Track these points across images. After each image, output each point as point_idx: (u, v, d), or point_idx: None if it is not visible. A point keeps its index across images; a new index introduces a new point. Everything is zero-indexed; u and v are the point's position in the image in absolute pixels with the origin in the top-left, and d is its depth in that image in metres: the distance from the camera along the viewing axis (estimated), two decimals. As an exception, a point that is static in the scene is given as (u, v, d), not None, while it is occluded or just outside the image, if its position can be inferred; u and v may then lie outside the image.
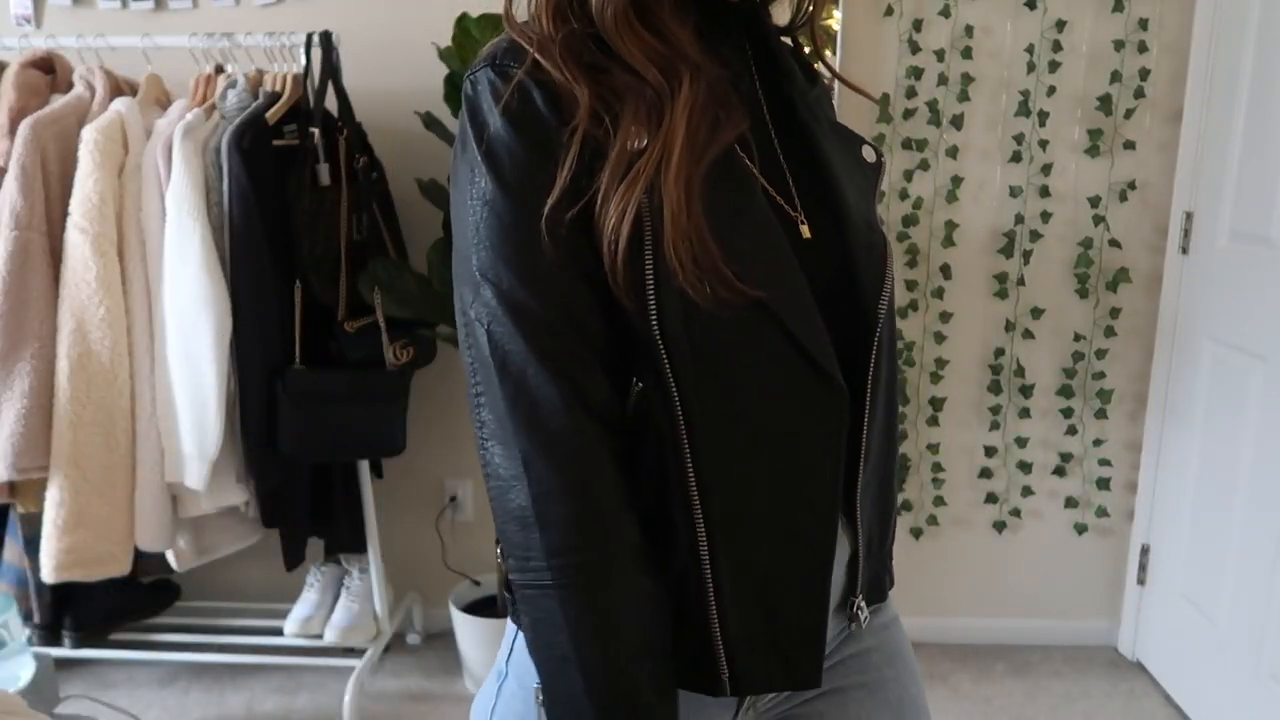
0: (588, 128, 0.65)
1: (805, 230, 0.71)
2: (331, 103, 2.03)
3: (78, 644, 2.20)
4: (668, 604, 0.68)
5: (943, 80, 2.26)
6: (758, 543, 0.69)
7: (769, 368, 0.67)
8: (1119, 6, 2.21)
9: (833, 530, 0.70)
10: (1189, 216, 2.24)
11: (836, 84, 1.60)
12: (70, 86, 2.02)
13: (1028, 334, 2.36)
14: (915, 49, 2.24)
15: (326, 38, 2.00)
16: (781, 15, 0.80)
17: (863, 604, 0.79)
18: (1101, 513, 2.42)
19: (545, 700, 0.68)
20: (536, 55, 0.66)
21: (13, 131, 1.89)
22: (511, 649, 0.77)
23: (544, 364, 0.64)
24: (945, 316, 2.36)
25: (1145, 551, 2.38)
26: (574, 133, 0.65)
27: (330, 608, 2.28)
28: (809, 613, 0.70)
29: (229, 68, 2.07)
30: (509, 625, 0.79)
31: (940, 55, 2.24)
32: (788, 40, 0.81)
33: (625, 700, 0.65)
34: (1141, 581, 2.39)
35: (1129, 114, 2.27)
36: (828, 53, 2.32)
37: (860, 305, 0.71)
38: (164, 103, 2.07)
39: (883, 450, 0.78)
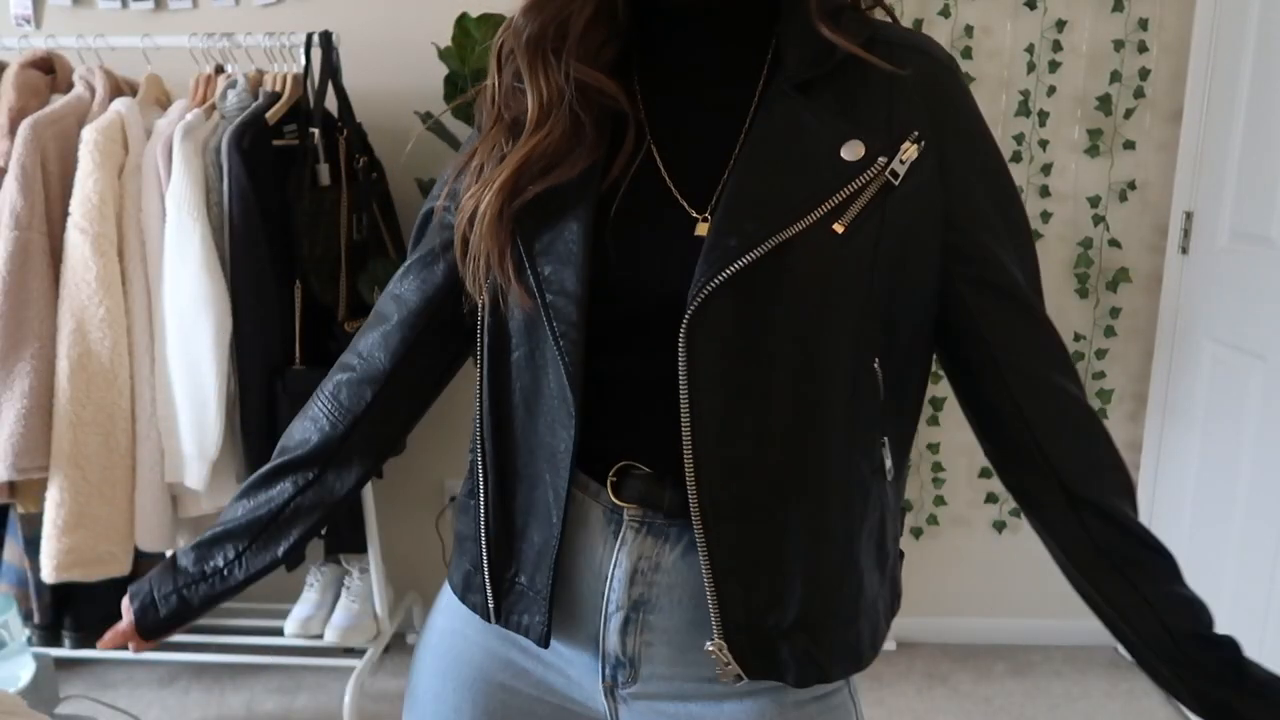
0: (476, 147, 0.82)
1: (703, 229, 0.72)
2: (331, 103, 2.03)
3: (78, 644, 2.20)
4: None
5: (943, 80, 2.25)
6: (517, 506, 0.80)
7: (543, 357, 0.76)
8: (1119, 6, 2.21)
9: (558, 519, 0.76)
10: (1189, 216, 2.24)
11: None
12: (70, 87, 2.02)
13: (1028, 334, 2.36)
14: (915, 49, 2.24)
15: (326, 38, 2.00)
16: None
17: (723, 654, 0.73)
18: (1101, 513, 2.42)
19: None
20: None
21: (13, 131, 1.89)
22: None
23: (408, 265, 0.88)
24: (945, 316, 2.36)
25: (1145, 551, 2.37)
26: (470, 154, 0.81)
27: (330, 608, 2.28)
28: (540, 584, 0.78)
29: (229, 68, 2.07)
30: None
31: (940, 55, 2.24)
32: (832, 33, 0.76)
33: None
34: (1141, 581, 2.39)
35: (1129, 114, 2.27)
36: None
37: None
38: (164, 103, 2.07)
39: (794, 498, 0.72)
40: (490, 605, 0.81)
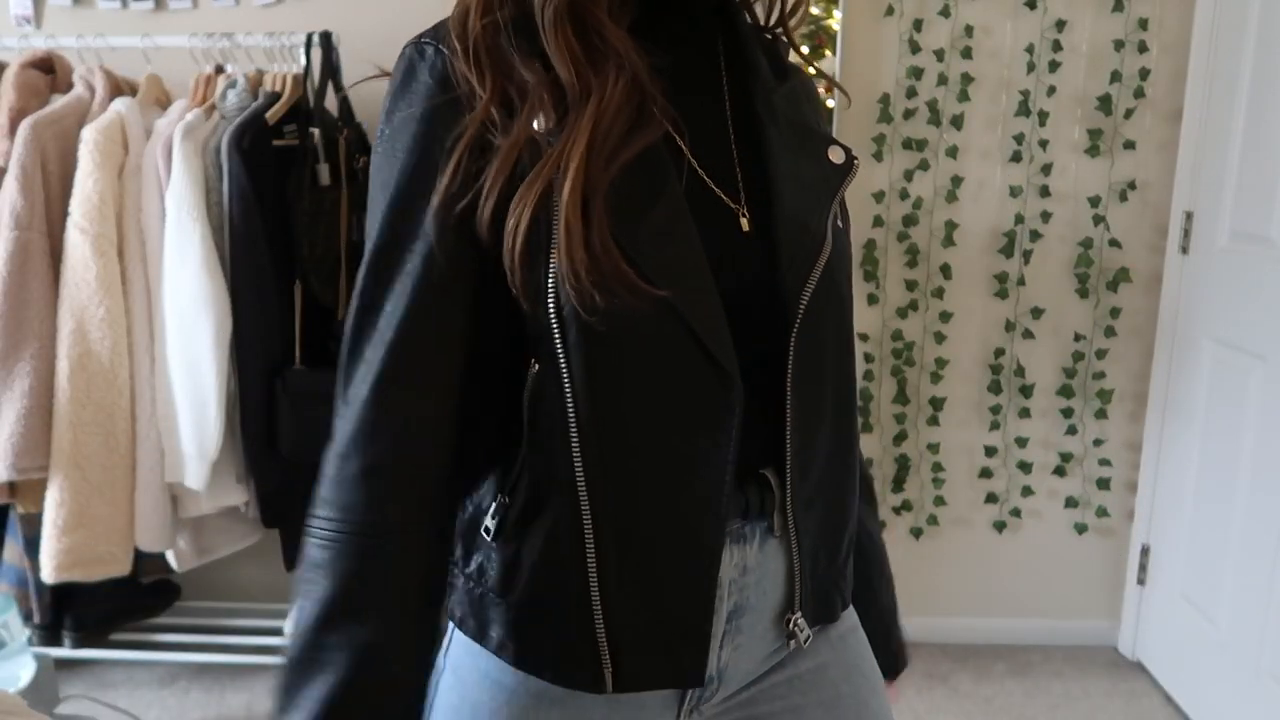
0: (483, 120, 0.65)
1: (745, 224, 0.72)
2: (331, 103, 2.03)
3: (78, 644, 2.20)
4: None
5: (943, 80, 2.26)
6: (645, 535, 0.68)
7: (665, 361, 0.66)
8: (1119, 6, 2.21)
9: (721, 528, 0.69)
10: (1189, 216, 2.24)
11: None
12: (70, 87, 2.02)
13: (1028, 334, 2.37)
14: (915, 49, 2.24)
15: (326, 38, 2.00)
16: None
17: (801, 622, 0.77)
18: (1101, 513, 2.42)
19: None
20: (454, 42, 0.69)
21: (13, 131, 1.89)
22: (449, 645, 0.78)
23: (380, 380, 0.69)
24: (945, 316, 2.36)
25: (1145, 551, 2.38)
26: (469, 125, 0.66)
27: (330, 608, 2.28)
28: (694, 610, 0.69)
29: (229, 68, 2.07)
30: (448, 624, 0.78)
31: (940, 55, 2.24)
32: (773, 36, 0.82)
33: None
34: (1141, 581, 2.39)
35: (1129, 114, 2.27)
36: (827, 52, 2.32)
37: (781, 304, 0.71)
38: (164, 103, 2.07)
39: (832, 467, 0.77)
40: (609, 672, 0.69)
